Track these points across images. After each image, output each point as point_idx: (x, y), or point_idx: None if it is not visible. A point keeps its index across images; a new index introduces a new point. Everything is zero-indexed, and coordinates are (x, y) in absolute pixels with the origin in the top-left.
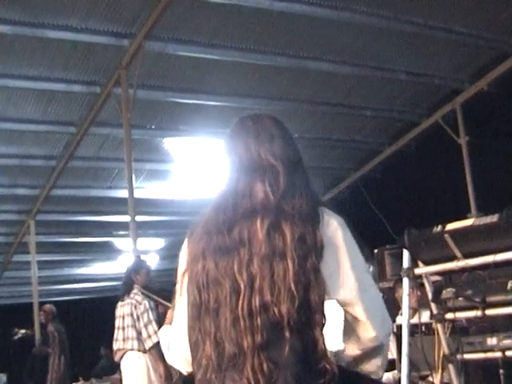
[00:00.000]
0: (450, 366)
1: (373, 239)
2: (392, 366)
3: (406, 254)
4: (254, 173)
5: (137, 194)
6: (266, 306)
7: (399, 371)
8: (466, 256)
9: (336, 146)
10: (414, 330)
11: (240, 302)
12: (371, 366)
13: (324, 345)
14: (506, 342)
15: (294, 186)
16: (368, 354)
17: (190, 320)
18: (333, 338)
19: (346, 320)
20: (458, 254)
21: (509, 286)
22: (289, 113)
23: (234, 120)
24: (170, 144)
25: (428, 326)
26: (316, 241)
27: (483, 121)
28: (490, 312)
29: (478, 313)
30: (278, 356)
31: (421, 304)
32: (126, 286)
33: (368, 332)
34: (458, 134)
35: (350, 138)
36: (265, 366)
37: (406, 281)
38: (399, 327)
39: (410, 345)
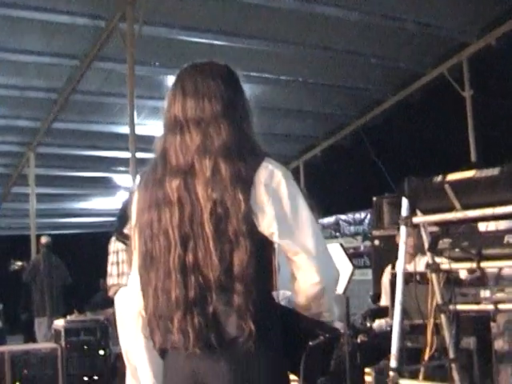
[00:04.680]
0: (442, 316)
1: (372, 187)
2: (385, 313)
3: (404, 202)
4: (190, 128)
5: (138, 130)
6: (198, 266)
7: (392, 318)
8: (465, 207)
9: (339, 93)
10: (408, 278)
11: (171, 257)
12: (321, 312)
13: (244, 305)
14: (499, 295)
15: (229, 142)
16: (314, 299)
17: (140, 269)
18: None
19: (290, 267)
20: (457, 205)
21: (505, 239)
22: (293, 56)
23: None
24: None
25: (423, 275)
26: (240, 204)
27: (489, 76)
28: (484, 264)
29: (473, 265)
30: (208, 312)
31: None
32: (120, 221)
33: (312, 277)
34: (462, 88)
35: (354, 85)
36: (195, 320)
37: (403, 229)
38: (394, 275)
39: (403, 293)
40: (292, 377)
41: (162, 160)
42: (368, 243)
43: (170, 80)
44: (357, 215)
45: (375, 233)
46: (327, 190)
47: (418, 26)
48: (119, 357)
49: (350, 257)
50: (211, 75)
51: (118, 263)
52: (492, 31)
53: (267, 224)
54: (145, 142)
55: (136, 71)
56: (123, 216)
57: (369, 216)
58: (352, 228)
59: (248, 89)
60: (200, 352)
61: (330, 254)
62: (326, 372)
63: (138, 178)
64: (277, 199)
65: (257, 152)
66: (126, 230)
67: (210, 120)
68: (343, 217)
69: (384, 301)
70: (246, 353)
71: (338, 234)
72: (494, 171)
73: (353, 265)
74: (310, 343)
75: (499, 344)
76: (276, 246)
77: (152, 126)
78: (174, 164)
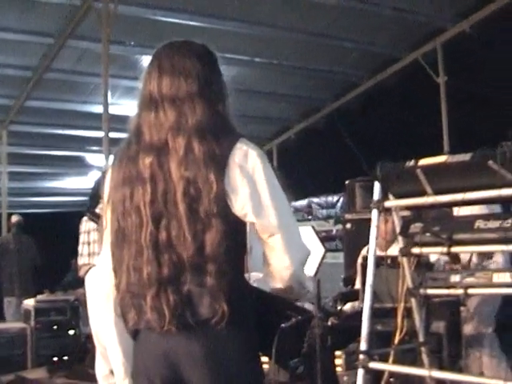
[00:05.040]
0: (413, 300)
1: (345, 170)
2: (356, 296)
3: (377, 186)
4: (164, 106)
5: (112, 110)
6: (171, 244)
7: (362, 301)
8: (437, 192)
9: (314, 76)
10: (379, 262)
11: (143, 234)
12: (293, 294)
13: (217, 286)
14: (469, 279)
15: (203, 122)
16: (285, 283)
17: (112, 247)
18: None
19: (263, 249)
20: (429, 190)
21: (476, 224)
22: (270, 39)
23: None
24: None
25: (394, 259)
26: (212, 184)
27: (463, 62)
28: (455, 249)
29: (444, 249)
30: (182, 291)
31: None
32: (92, 201)
33: (283, 260)
34: (437, 74)
35: (330, 68)
36: (171, 298)
37: (374, 213)
38: (365, 258)
39: (374, 276)
40: (264, 358)
41: (135, 137)
42: (340, 226)
43: (145, 60)
44: (329, 198)
45: (347, 216)
46: (300, 173)
47: (394, 11)
48: (89, 337)
49: (322, 240)
50: (188, 54)
51: (89, 243)
52: (467, 18)
53: (241, 205)
54: (118, 122)
55: (111, 50)
56: (95, 195)
57: (341, 199)
58: (324, 211)
59: (223, 70)
60: (174, 331)
61: (301, 236)
62: (297, 354)
63: (112, 156)
64: (251, 180)
65: (232, 133)
66: (97, 210)
67: (185, 98)
68: (316, 200)
69: (357, 284)
70: (218, 334)
71: (310, 217)
72: (465, 157)
73: (324, 248)
74: (283, 325)
75: (468, 328)
76: (248, 227)
77: (126, 106)
78: (148, 141)
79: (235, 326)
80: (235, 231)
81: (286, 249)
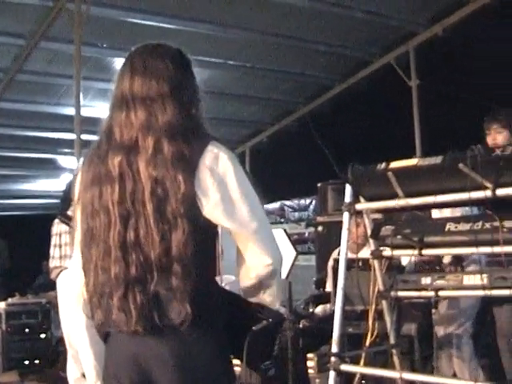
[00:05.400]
0: (384, 303)
1: (318, 173)
2: (328, 298)
3: (348, 189)
4: (135, 105)
5: (84, 112)
6: (139, 244)
7: (334, 304)
8: (408, 195)
9: (287, 79)
10: (351, 264)
11: (111, 233)
12: (266, 296)
13: (183, 288)
14: (440, 282)
15: (173, 123)
16: (263, 283)
17: (82, 246)
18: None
19: (239, 251)
20: (400, 193)
21: (447, 227)
22: (242, 42)
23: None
24: (121, 64)
25: (365, 261)
26: (180, 185)
27: (435, 66)
28: (426, 252)
29: (415, 252)
30: (149, 291)
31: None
32: (64, 203)
33: (262, 259)
34: (409, 77)
35: (302, 71)
36: (138, 298)
37: (346, 215)
38: (337, 261)
39: (346, 279)
40: (236, 361)
41: (106, 136)
42: (312, 229)
43: (118, 62)
44: (302, 201)
45: (319, 219)
46: (273, 176)
47: (366, 14)
48: (61, 340)
49: (294, 242)
50: (161, 56)
51: (60, 245)
52: (439, 21)
53: (212, 208)
54: (90, 124)
55: (83, 52)
56: (67, 198)
57: (314, 202)
58: (296, 214)
59: (196, 73)
60: (142, 334)
61: (274, 238)
62: (269, 356)
63: (83, 156)
64: (222, 184)
65: (203, 136)
66: (69, 212)
67: (156, 99)
68: (288, 203)
69: (329, 287)
70: (187, 336)
71: (282, 219)
72: (436, 160)
73: (296, 250)
74: (254, 328)
75: (440, 330)
76: (220, 230)
77: (98, 108)
78: (118, 140)
79: (204, 329)
80: (204, 233)
81: (264, 249)
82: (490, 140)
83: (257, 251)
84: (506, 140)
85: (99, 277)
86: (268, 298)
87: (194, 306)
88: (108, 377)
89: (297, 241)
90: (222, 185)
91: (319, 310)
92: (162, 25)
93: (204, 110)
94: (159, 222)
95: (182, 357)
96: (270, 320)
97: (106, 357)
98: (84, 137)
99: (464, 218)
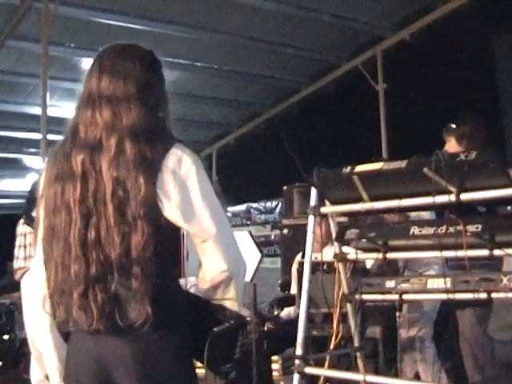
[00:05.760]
0: (348, 305)
1: (285, 176)
2: (293, 301)
3: (313, 192)
4: (101, 105)
5: (51, 112)
6: (100, 243)
7: (298, 307)
8: (373, 199)
9: (254, 81)
10: (315, 267)
11: (72, 231)
12: (225, 298)
13: (143, 290)
14: (404, 285)
15: (137, 124)
16: (219, 287)
17: (43, 244)
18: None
19: (198, 254)
20: (365, 197)
21: (411, 231)
22: (210, 43)
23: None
24: (89, 64)
25: (330, 264)
26: (141, 187)
27: (402, 70)
28: (390, 255)
29: (380, 255)
30: (110, 290)
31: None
32: (29, 204)
33: (219, 265)
34: (376, 81)
35: (270, 74)
36: (98, 297)
37: (311, 219)
38: (302, 264)
39: (310, 282)
40: (199, 364)
41: (71, 135)
42: (279, 231)
43: (85, 62)
44: (268, 204)
45: (285, 222)
46: (240, 178)
47: (335, 17)
48: (25, 342)
49: (259, 245)
50: (130, 56)
51: (25, 246)
52: (407, 26)
53: (173, 210)
54: (57, 124)
55: (51, 52)
56: (32, 198)
57: (280, 205)
58: (263, 216)
59: (163, 74)
60: (104, 334)
61: (236, 242)
62: (230, 359)
63: (49, 153)
64: (184, 187)
65: (168, 138)
66: (34, 213)
67: (122, 99)
68: (254, 205)
69: (293, 289)
70: (148, 338)
71: (248, 222)
72: (401, 164)
73: (261, 252)
74: (215, 329)
75: (403, 333)
76: (185, 232)
77: (65, 108)
78: (83, 138)
79: (166, 331)
80: (166, 235)
81: (221, 255)
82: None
83: (213, 256)
84: (454, 148)
85: (60, 274)
86: (227, 300)
87: (155, 308)
88: (69, 378)
89: (263, 243)
90: (183, 188)
91: (285, 313)
92: (130, 25)
93: (171, 112)
94: (120, 224)
95: (144, 358)
96: (232, 322)
97: (67, 358)
98: (50, 137)
99: (428, 222)
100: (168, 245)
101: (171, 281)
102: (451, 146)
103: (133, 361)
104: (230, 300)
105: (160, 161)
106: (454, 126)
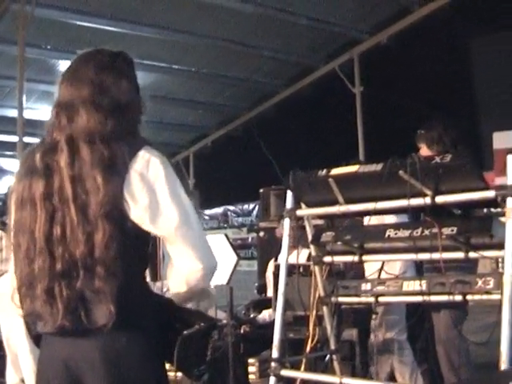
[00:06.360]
0: (324, 308)
1: (262, 179)
2: (269, 304)
3: (289, 194)
4: (62, 111)
5: (27, 114)
6: (65, 240)
7: (275, 310)
8: (349, 201)
9: (232, 84)
10: (291, 270)
11: (37, 226)
12: (198, 300)
13: (107, 290)
14: (380, 288)
15: (93, 128)
16: (193, 288)
17: (13, 236)
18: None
19: (170, 255)
20: (341, 199)
21: (386, 234)
22: (188, 46)
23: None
24: (66, 67)
25: (306, 267)
26: (99, 188)
27: (379, 73)
28: (366, 258)
29: (355, 258)
30: (75, 287)
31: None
32: (4, 206)
33: (193, 264)
34: (353, 84)
35: (247, 77)
36: (64, 292)
37: (287, 221)
38: (278, 267)
39: (286, 284)
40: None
41: (43, 137)
42: (255, 234)
43: (62, 64)
44: (245, 206)
45: (261, 224)
46: (216, 181)
47: (312, 21)
48: (0, 345)
49: (235, 248)
50: (88, 61)
51: (1, 249)
52: (383, 30)
53: (140, 212)
54: (34, 127)
55: (27, 54)
56: (7, 201)
57: (257, 207)
58: (240, 219)
59: (140, 77)
60: (72, 335)
61: (208, 243)
62: (202, 361)
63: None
64: (151, 189)
65: (134, 140)
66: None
67: (80, 104)
68: (232, 208)
69: (269, 292)
70: (116, 340)
71: (225, 225)
72: (376, 167)
73: (237, 256)
74: (185, 332)
75: (378, 335)
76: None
77: (42, 111)
78: (47, 142)
79: (134, 332)
80: (132, 236)
81: (194, 254)
82: None
83: (187, 257)
84: (426, 154)
85: (26, 267)
86: (199, 302)
87: (120, 309)
88: (40, 381)
89: (240, 246)
90: (151, 190)
91: (261, 316)
92: (107, 28)
93: (144, 114)
94: (83, 223)
95: (112, 360)
96: (202, 324)
97: (39, 361)
98: (27, 139)
99: (404, 225)
100: (135, 247)
101: (138, 282)
102: (423, 151)
103: (102, 363)
104: (201, 302)
105: (126, 163)
106: (423, 132)
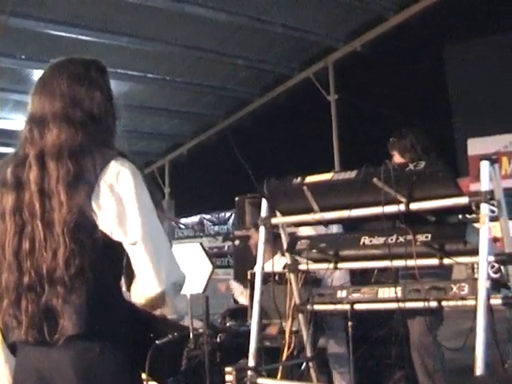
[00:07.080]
0: (300, 316)
1: (238, 187)
2: (245, 312)
3: (264, 203)
4: (33, 124)
5: (1, 124)
6: (33, 254)
7: (250, 318)
8: (323, 209)
9: (207, 93)
10: (267, 278)
11: (7, 239)
12: (163, 311)
13: (78, 302)
14: (355, 295)
15: (62, 142)
16: (152, 302)
17: None
18: None
19: (128, 266)
20: (315, 207)
21: (361, 241)
22: (162, 55)
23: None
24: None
25: (281, 275)
26: (63, 204)
27: (353, 80)
28: (341, 265)
29: (331, 266)
30: (41, 302)
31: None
32: None
33: (151, 283)
34: (328, 92)
35: (222, 85)
36: (29, 307)
37: (262, 230)
38: (253, 275)
39: (262, 293)
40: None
41: (16, 150)
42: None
43: (36, 74)
44: (221, 214)
45: (237, 233)
46: (192, 189)
47: (286, 29)
48: None
49: (211, 256)
50: (60, 73)
51: None
52: (358, 37)
53: (108, 223)
54: (8, 137)
55: (1, 63)
56: None
57: (233, 216)
58: (216, 227)
59: (115, 86)
60: (46, 346)
61: (173, 256)
62: (176, 371)
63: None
64: (120, 199)
65: (105, 151)
66: None
67: (51, 119)
68: (208, 216)
69: (244, 299)
70: (89, 352)
71: (201, 233)
72: (350, 174)
73: (213, 264)
74: (157, 342)
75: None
76: None
77: (16, 121)
78: (20, 154)
79: (108, 344)
80: (103, 247)
81: (153, 271)
82: None
83: (146, 273)
84: (399, 162)
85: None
86: (165, 311)
87: (90, 319)
88: None
89: (216, 254)
90: (119, 201)
91: (237, 323)
92: (80, 37)
93: (114, 123)
94: (50, 239)
95: (85, 372)
96: (175, 334)
97: (14, 370)
98: (1, 149)
99: (379, 232)
100: (106, 257)
101: (111, 292)
102: (396, 159)
103: (75, 373)
104: (166, 312)
105: (97, 174)
106: (395, 139)
